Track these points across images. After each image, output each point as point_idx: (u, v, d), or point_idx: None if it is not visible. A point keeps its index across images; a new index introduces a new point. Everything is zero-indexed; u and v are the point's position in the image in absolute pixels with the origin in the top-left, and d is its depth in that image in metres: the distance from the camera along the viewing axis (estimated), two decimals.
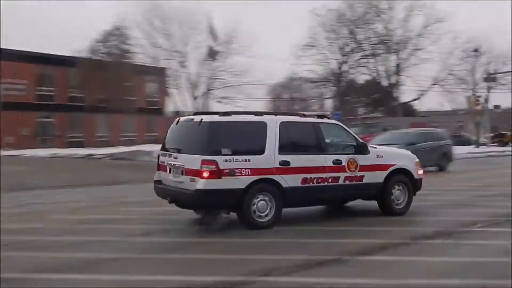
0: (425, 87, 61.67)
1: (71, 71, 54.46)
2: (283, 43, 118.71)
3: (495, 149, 50.56)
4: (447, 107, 77.43)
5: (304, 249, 9.08)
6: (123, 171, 27.12)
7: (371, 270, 7.85)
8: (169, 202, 11.24)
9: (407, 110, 61.67)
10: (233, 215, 10.93)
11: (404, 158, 13.04)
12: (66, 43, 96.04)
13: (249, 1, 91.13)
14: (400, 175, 12.60)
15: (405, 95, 62.97)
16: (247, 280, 7.37)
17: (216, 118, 10.94)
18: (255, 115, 11.47)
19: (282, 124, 11.27)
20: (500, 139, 65.79)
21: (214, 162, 10.31)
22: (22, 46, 67.28)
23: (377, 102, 64.81)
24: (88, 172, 26.69)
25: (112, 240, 9.95)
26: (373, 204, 12.77)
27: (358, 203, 13.28)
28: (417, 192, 13.06)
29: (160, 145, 12.15)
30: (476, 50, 59.19)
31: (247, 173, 10.56)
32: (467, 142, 54.16)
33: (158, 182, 11.80)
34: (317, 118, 12.22)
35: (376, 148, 12.75)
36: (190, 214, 12.05)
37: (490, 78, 58.31)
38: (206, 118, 10.93)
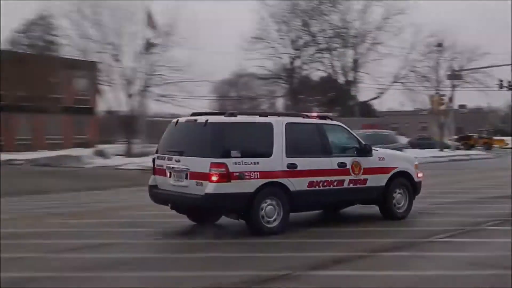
0: (385, 85, 62.73)
1: None
2: (230, 35, 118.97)
3: (461, 152, 51.85)
4: (409, 107, 78.93)
5: (253, 264, 9.06)
6: (47, 178, 26.58)
7: (322, 285, 7.89)
8: (171, 208, 11.93)
9: (366, 109, 62.61)
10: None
11: (405, 161, 13.93)
12: None
13: None
14: (401, 178, 13.38)
15: (364, 93, 63.99)
16: None
17: (222, 119, 11.53)
18: (260, 116, 12.22)
19: (288, 125, 11.88)
20: (465, 142, 67.52)
21: (224, 165, 10.84)
22: None
23: (333, 101, 65.62)
24: (5, 180, 26.03)
25: (33, 257, 9.70)
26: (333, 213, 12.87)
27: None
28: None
29: (156, 148, 12.60)
30: (439, 45, 60.41)
31: (256, 176, 11.12)
32: (432, 145, 55.37)
33: (153, 187, 12.23)
34: (319, 119, 12.92)
35: (377, 150, 13.39)
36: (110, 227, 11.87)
37: (455, 75, 59.53)
38: (212, 119, 11.52)
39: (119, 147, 48.05)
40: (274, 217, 11.40)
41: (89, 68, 53.81)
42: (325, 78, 64.37)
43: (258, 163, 11.19)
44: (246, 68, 63.72)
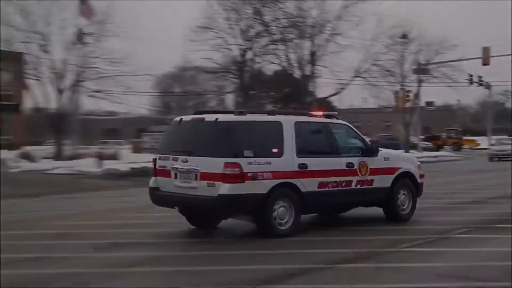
0: (345, 79, 63.15)
1: None
2: (174, 24, 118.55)
3: (428, 153, 52.73)
4: (372, 104, 79.76)
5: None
6: None
7: None
8: (179, 210, 12.71)
9: (325, 106, 63.00)
10: None
11: (408, 161, 15.06)
12: None
13: None
14: (405, 179, 14.41)
15: (322, 89, 64.33)
16: None
17: (233, 117, 12.28)
18: (268, 114, 13.02)
19: (296, 124, 12.69)
20: (434, 142, 68.69)
21: (238, 165, 11.52)
22: None
23: (288, 97, 65.83)
24: None
25: None
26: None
27: None
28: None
29: (158, 148, 13.36)
30: (404, 36, 61.25)
31: (268, 177, 11.85)
32: (397, 146, 56.15)
33: (155, 189, 12.89)
34: (325, 117, 13.75)
35: (381, 150, 14.25)
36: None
37: (421, 69, 60.39)
38: (222, 117, 12.25)
39: (48, 149, 47.48)
40: (286, 219, 12.16)
41: (13, 60, 52.91)
42: (279, 72, 64.51)
43: (270, 163, 11.94)
44: (191, 60, 63.09)
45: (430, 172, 32.24)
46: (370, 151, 13.77)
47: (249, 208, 11.86)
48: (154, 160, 13.01)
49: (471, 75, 61.37)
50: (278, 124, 12.48)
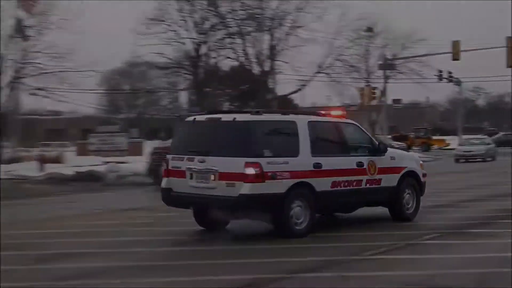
0: (307, 76, 63.43)
1: None
2: (122, 16, 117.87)
3: None
4: (336, 101, 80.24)
5: None
6: None
7: None
8: (196, 211, 13.67)
9: (286, 104, 63.16)
10: None
11: (412, 160, 16.19)
12: None
13: None
14: (410, 178, 15.47)
15: (283, 86, 64.37)
16: None
17: (251, 117, 13.09)
18: (282, 114, 13.96)
19: (310, 123, 13.63)
20: (404, 142, 69.29)
21: (258, 165, 12.35)
22: None
23: (247, 94, 65.89)
24: None
25: None
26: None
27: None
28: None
29: (170, 148, 14.20)
30: (369, 30, 61.79)
31: (286, 177, 12.72)
32: None
33: (168, 190, 13.62)
34: (334, 117, 14.77)
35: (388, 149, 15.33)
36: None
37: (388, 65, 60.89)
38: (240, 117, 13.10)
39: None
40: (301, 219, 13.03)
41: None
42: (236, 68, 64.48)
43: (288, 162, 12.82)
44: (141, 55, 62.62)
45: None
46: (378, 150, 14.83)
47: (268, 207, 12.69)
48: (166, 161, 13.77)
49: (440, 71, 62.07)
50: (293, 124, 13.41)
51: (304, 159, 13.19)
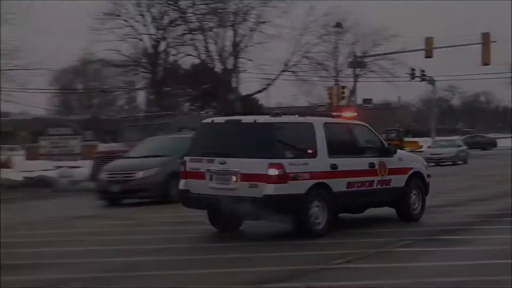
0: (273, 74, 63.54)
1: None
2: (74, 10, 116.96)
3: None
4: (303, 101, 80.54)
5: None
6: None
7: None
8: (215, 212, 14.41)
9: (250, 105, 63.22)
10: None
11: (418, 161, 17.36)
12: None
13: None
14: (416, 179, 16.55)
15: (247, 84, 64.47)
16: None
17: (271, 119, 14.15)
18: (298, 116, 15.13)
19: (325, 125, 14.65)
20: None
21: (281, 166, 13.33)
22: None
23: (208, 94, 65.86)
24: None
25: None
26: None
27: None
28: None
29: (188, 150, 14.96)
30: (338, 25, 62.05)
31: (306, 177, 13.74)
32: None
33: (186, 191, 14.48)
34: (346, 118, 16.13)
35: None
36: None
37: (357, 62, 61.25)
38: (260, 119, 14.27)
39: None
40: (320, 219, 13.99)
41: None
42: (197, 66, 64.42)
43: (307, 163, 13.85)
44: (95, 52, 62.40)
45: None
46: (388, 151, 16.01)
47: (290, 208, 13.62)
48: (184, 163, 14.58)
49: (413, 69, 62.53)
50: (310, 126, 14.43)
51: (322, 160, 14.19)
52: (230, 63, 61.96)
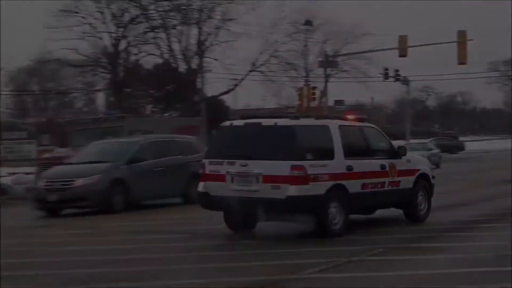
0: (240, 74, 63.56)
1: None
2: (30, 7, 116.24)
3: None
4: (272, 103, 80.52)
5: None
6: None
7: None
8: (241, 213, 15.38)
9: (216, 107, 63.18)
10: None
11: (424, 163, 18.65)
12: None
13: None
14: (423, 180, 17.75)
15: (212, 85, 64.32)
16: None
17: (291, 122, 15.30)
18: (315, 119, 16.32)
19: (340, 128, 15.81)
20: None
21: (303, 168, 14.43)
22: None
23: (172, 95, 65.71)
24: None
25: None
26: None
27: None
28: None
29: (207, 153, 16.37)
30: (308, 23, 62.21)
31: (325, 179, 14.86)
32: None
33: (205, 194, 15.54)
34: (359, 121, 17.41)
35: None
36: None
37: (329, 62, 61.29)
38: (281, 122, 15.32)
39: None
40: (337, 219, 15.02)
41: None
42: (160, 66, 64.24)
43: (326, 165, 15.02)
44: (52, 52, 62.02)
45: None
46: (397, 153, 17.15)
47: (310, 209, 14.66)
48: (203, 165, 15.67)
49: (386, 69, 62.87)
50: (327, 128, 15.59)
51: (339, 162, 15.32)
52: (194, 63, 61.92)
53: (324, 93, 63.33)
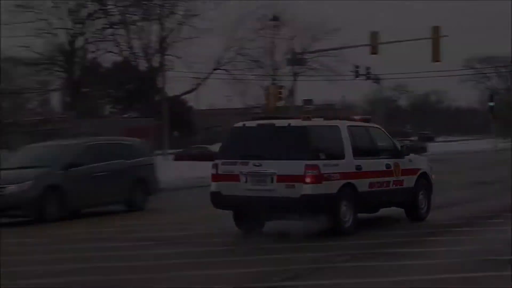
0: (204, 73, 63.54)
1: None
2: None
3: None
4: (238, 102, 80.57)
5: None
6: None
7: None
8: (255, 212, 16.20)
9: (178, 107, 63.11)
10: None
11: (424, 162, 19.95)
12: None
13: None
14: (423, 179, 18.98)
15: (175, 84, 64.20)
16: None
17: (304, 122, 16.43)
18: (324, 119, 17.21)
19: (349, 128, 17.02)
20: None
21: (317, 167, 15.54)
22: None
23: (132, 95, 65.58)
24: None
25: None
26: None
27: None
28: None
29: (219, 154, 17.21)
30: (275, 19, 62.28)
31: (337, 178, 16.00)
32: None
33: (217, 193, 16.59)
34: (364, 121, 18.56)
35: None
36: None
37: (297, 59, 61.37)
38: (294, 122, 16.49)
39: None
40: (347, 217, 16.16)
41: None
42: (120, 64, 64.17)
43: (338, 165, 16.13)
44: (4, 49, 61.61)
45: None
46: (401, 153, 18.39)
47: (324, 207, 15.79)
48: (215, 166, 16.62)
49: (357, 66, 63.26)
50: (337, 128, 16.80)
51: (349, 162, 16.46)
52: (156, 61, 61.75)
53: (292, 92, 63.51)
